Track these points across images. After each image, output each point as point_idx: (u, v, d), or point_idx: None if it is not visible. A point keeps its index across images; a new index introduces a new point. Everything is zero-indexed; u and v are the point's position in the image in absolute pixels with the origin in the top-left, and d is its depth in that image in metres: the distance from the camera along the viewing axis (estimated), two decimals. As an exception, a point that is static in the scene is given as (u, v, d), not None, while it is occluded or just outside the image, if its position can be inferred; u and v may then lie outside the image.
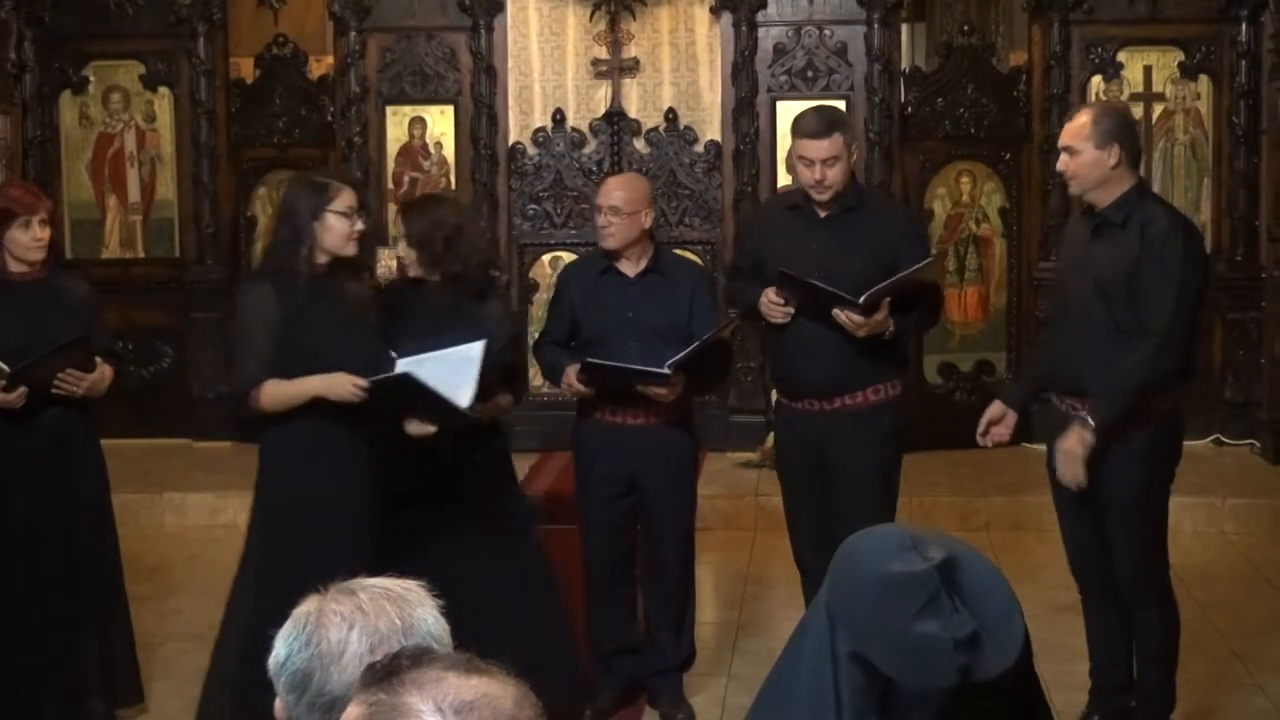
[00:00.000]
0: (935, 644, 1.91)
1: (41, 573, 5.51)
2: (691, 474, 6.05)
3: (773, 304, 5.67)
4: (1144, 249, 5.19)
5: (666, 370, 5.59)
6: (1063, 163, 5.39)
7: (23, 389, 5.35)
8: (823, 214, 5.76)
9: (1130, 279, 5.20)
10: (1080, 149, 5.28)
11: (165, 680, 6.15)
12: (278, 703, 2.27)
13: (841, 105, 9.65)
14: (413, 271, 5.64)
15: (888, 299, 5.52)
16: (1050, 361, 5.54)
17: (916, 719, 1.93)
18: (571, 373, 5.70)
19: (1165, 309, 5.15)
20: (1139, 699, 5.45)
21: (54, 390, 5.42)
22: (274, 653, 2.27)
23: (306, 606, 2.29)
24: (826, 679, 1.96)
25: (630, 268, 5.89)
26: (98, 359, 5.55)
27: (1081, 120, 5.34)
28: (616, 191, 5.89)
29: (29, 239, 5.47)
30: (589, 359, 5.64)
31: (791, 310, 5.65)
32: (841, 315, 5.51)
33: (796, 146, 5.74)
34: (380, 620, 2.24)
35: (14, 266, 5.50)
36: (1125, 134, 5.34)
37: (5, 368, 5.30)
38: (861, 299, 5.45)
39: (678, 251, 7.63)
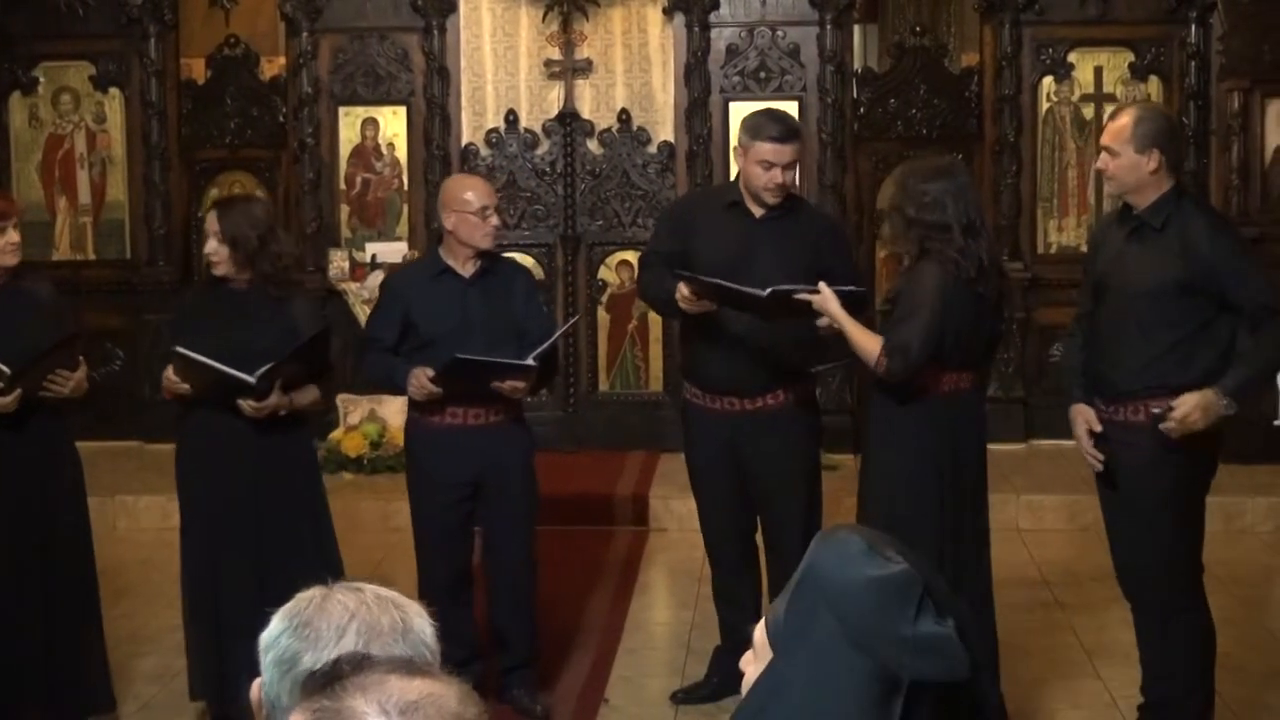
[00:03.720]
0: (945, 639, 1.98)
1: (24, 580, 5.52)
2: (533, 470, 6.05)
3: (688, 300, 5.70)
4: (1193, 257, 5.16)
5: (532, 362, 5.66)
6: (1102, 161, 5.36)
7: (18, 392, 5.35)
8: (758, 214, 5.84)
9: (1165, 286, 5.17)
10: (1119, 151, 5.23)
11: (117, 683, 6.11)
12: (255, 682, 2.27)
13: (794, 106, 9.72)
14: (221, 270, 5.65)
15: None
16: (1084, 352, 5.45)
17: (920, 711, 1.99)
18: (422, 375, 5.71)
19: (1264, 288, 5.17)
20: (1174, 703, 5.39)
21: (43, 392, 5.43)
22: (268, 629, 2.27)
23: (311, 592, 2.29)
24: (826, 681, 2.01)
25: (465, 269, 5.90)
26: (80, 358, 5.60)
27: (1123, 122, 5.28)
28: (489, 190, 5.99)
29: (3, 244, 5.47)
30: (459, 355, 5.64)
31: (711, 305, 5.68)
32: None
33: (757, 150, 5.77)
34: (383, 617, 2.24)
35: None
36: (1166, 139, 5.28)
37: (5, 369, 5.30)
38: (766, 291, 5.48)
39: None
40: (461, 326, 5.80)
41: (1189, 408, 5.09)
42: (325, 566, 5.55)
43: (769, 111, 6.20)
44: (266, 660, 2.25)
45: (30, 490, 5.53)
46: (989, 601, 5.43)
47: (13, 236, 5.50)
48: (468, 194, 5.85)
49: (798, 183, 5.99)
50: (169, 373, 5.59)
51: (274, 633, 2.26)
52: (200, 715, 5.86)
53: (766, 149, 5.75)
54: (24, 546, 5.52)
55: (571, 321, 5.46)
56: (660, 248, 6.14)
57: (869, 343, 5.30)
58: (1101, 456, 5.29)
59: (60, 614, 5.62)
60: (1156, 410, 5.13)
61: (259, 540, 5.63)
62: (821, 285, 5.39)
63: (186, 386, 5.57)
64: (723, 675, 5.96)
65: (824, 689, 2.00)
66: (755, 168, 5.79)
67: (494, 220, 5.87)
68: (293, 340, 5.55)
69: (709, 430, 6.00)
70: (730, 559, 6.12)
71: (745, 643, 2.23)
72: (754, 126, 5.87)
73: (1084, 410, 5.35)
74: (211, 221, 5.68)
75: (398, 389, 5.96)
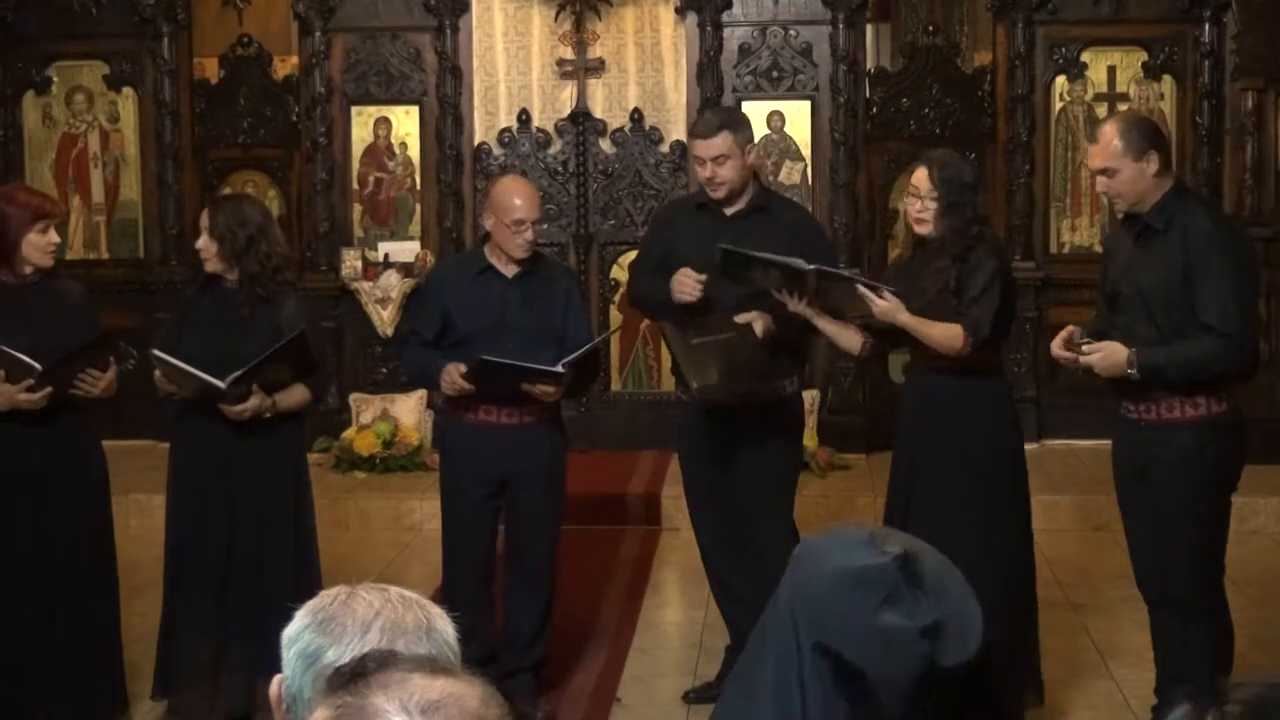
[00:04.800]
0: (902, 633, 1.96)
1: (48, 579, 5.56)
2: (562, 473, 6.06)
3: (684, 280, 5.74)
4: (1191, 255, 5.14)
5: (560, 369, 5.66)
6: (1102, 185, 5.34)
7: (48, 389, 5.39)
8: (729, 212, 5.90)
9: (1173, 287, 5.15)
10: (1118, 167, 5.21)
11: (131, 682, 6.12)
12: (275, 678, 2.28)
13: (807, 105, 9.74)
14: (210, 266, 5.72)
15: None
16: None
17: (887, 708, 1.96)
18: (454, 371, 5.73)
19: (1225, 307, 5.10)
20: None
21: (73, 390, 5.48)
22: (292, 624, 2.27)
23: (336, 590, 2.30)
24: (790, 672, 2.00)
25: (508, 269, 5.91)
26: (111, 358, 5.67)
27: (1109, 138, 5.25)
28: (535, 202, 5.92)
29: (45, 243, 5.56)
30: (485, 357, 5.66)
31: (701, 283, 5.70)
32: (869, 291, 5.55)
33: (691, 148, 5.96)
34: (408, 615, 2.25)
35: (28, 269, 5.55)
36: (1156, 138, 5.29)
37: (36, 365, 5.34)
38: (811, 266, 5.50)
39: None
40: (498, 326, 5.82)
41: (1101, 357, 5.17)
42: (300, 573, 5.60)
43: (711, 107, 6.33)
44: (289, 654, 2.26)
45: (56, 488, 5.57)
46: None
47: (54, 237, 5.60)
48: (510, 202, 5.86)
49: (736, 175, 5.91)
50: (157, 374, 5.68)
51: (297, 628, 2.27)
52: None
53: (696, 145, 5.91)
54: (49, 544, 5.55)
55: (608, 333, 5.49)
56: (648, 258, 6.21)
57: (947, 330, 5.40)
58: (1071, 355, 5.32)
59: (83, 614, 5.65)
60: (1079, 346, 5.24)
61: (229, 543, 5.68)
62: (885, 293, 5.43)
63: (174, 387, 5.65)
64: None
65: (787, 683, 2.00)
66: (695, 165, 5.95)
67: (529, 235, 5.85)
68: (276, 343, 5.59)
69: (693, 428, 6.05)
70: (721, 556, 6.14)
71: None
72: (689, 126, 6.00)
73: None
74: (204, 217, 5.78)
75: (433, 383, 5.98)
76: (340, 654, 2.22)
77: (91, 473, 5.72)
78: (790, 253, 5.76)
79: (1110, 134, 5.26)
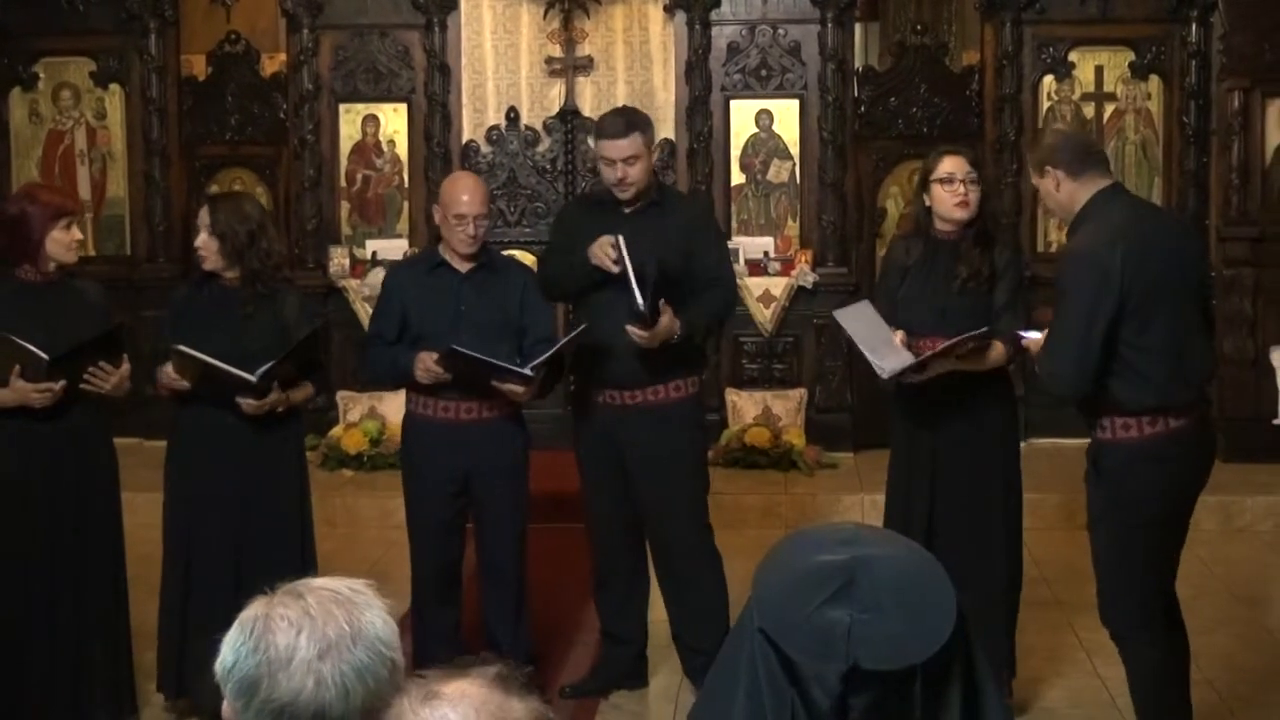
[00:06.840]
0: (831, 628, 1.97)
1: (59, 577, 5.54)
2: (525, 469, 6.04)
3: (603, 249, 5.74)
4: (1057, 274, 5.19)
5: (529, 371, 5.66)
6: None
7: (60, 386, 5.38)
8: (627, 210, 5.91)
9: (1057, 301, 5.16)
10: (1036, 184, 5.26)
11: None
12: (225, 707, 2.26)
13: (795, 104, 9.75)
14: (209, 264, 5.68)
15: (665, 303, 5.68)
16: None
17: (815, 697, 1.98)
18: (429, 359, 5.72)
19: (1052, 336, 5.06)
20: None
21: (83, 384, 5.46)
22: (220, 658, 2.25)
23: (252, 611, 2.26)
24: (743, 652, 2.04)
25: (461, 264, 5.90)
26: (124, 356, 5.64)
27: (1027, 157, 5.35)
28: (479, 197, 5.89)
29: (69, 239, 5.56)
30: (454, 346, 5.65)
31: (617, 255, 5.69)
32: (632, 330, 5.66)
33: (598, 148, 5.94)
34: (328, 626, 2.22)
35: (51, 266, 5.55)
36: (1052, 154, 5.10)
37: (44, 356, 5.34)
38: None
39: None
40: (453, 321, 5.81)
41: (1035, 341, 5.29)
42: (304, 565, 5.60)
43: (616, 108, 6.35)
44: (227, 690, 2.24)
45: (66, 482, 5.55)
46: None
47: (76, 233, 5.60)
48: (455, 196, 5.86)
49: (644, 176, 5.89)
50: (167, 369, 5.61)
51: (227, 663, 2.24)
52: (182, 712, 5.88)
53: (604, 146, 5.89)
54: (59, 538, 5.53)
55: (576, 331, 5.44)
56: (554, 248, 6.26)
57: (1000, 353, 5.82)
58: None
59: (92, 611, 5.63)
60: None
61: (240, 538, 5.68)
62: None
63: (185, 383, 5.60)
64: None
65: (751, 662, 2.02)
66: (602, 165, 5.94)
67: (470, 230, 5.82)
68: (283, 338, 5.59)
69: (593, 424, 6.04)
70: (615, 557, 6.16)
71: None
72: (597, 125, 6.05)
73: None
74: (203, 215, 5.73)
75: (404, 376, 5.92)
76: (273, 686, 2.21)
77: (102, 468, 5.70)
78: (683, 240, 5.85)
79: (1027, 153, 5.39)
